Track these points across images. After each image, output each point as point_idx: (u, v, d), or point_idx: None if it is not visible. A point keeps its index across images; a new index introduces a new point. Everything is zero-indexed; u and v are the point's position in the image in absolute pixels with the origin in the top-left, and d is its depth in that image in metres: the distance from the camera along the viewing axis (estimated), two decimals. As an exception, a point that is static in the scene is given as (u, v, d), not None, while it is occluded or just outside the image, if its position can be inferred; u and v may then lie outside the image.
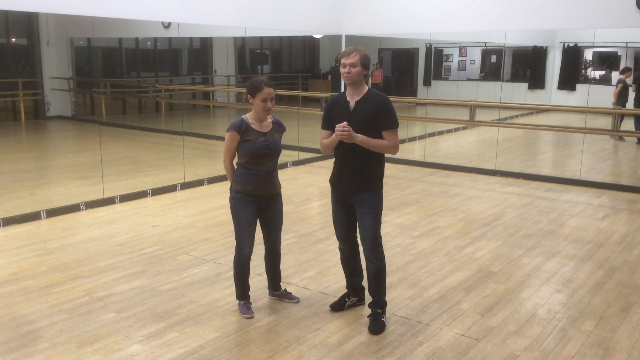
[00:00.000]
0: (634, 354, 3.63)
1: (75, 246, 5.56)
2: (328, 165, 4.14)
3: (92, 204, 6.93)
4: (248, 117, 3.96)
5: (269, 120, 4.01)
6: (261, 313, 4.13)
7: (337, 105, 3.86)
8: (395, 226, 6.25)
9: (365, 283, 4.11)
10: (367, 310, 4.07)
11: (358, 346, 3.69)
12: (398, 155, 9.81)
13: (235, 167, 4.03)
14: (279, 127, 4.07)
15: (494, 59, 16.48)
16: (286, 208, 4.94)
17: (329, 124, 3.87)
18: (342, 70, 3.75)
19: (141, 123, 14.32)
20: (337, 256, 4.29)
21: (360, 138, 3.67)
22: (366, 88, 3.82)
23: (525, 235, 6.00)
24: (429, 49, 16.36)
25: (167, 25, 9.70)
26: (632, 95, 12.12)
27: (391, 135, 3.74)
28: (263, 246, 4.21)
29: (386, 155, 3.88)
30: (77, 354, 3.55)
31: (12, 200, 7.18)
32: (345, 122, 3.65)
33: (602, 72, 16.25)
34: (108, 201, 7.10)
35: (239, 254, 4.04)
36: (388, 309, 4.07)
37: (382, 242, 3.95)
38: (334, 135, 3.70)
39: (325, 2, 10.11)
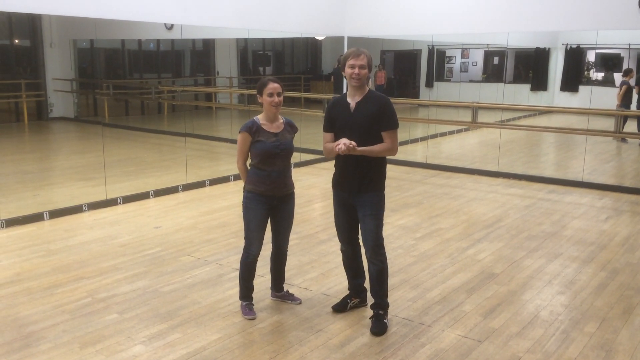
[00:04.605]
0: (637, 356, 3.62)
1: (77, 247, 5.57)
2: (330, 167, 4.14)
3: (94, 205, 6.95)
4: (259, 118, 3.98)
5: (281, 120, 4.03)
6: (263, 314, 4.13)
7: (338, 107, 3.87)
8: (398, 228, 6.25)
9: (367, 284, 4.11)
10: (369, 312, 4.07)
11: (360, 347, 3.69)
12: (400, 157, 9.80)
13: (249, 167, 4.04)
14: (290, 128, 4.08)
15: (496, 60, 16.47)
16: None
17: (330, 126, 3.88)
18: (350, 71, 3.74)
19: (144, 124, 14.34)
20: (339, 258, 4.30)
21: (359, 150, 3.67)
22: (367, 89, 3.83)
23: (527, 237, 6.00)
24: (431, 51, 16.37)
25: (169, 27, 9.72)
26: (635, 97, 12.11)
27: (390, 136, 3.74)
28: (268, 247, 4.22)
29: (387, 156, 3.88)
30: (79, 355, 3.56)
31: (15, 201, 7.20)
32: (352, 143, 3.63)
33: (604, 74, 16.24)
34: (111, 202, 7.11)
35: (247, 254, 4.05)
36: (390, 310, 4.07)
37: (385, 243, 3.95)
38: (335, 146, 3.68)
39: (328, 3, 10.12)
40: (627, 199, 7.74)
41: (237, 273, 4.33)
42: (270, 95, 3.88)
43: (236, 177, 8.39)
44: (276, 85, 3.90)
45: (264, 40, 17.17)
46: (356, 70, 3.72)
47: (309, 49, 19.75)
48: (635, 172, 9.88)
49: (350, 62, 3.73)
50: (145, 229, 6.16)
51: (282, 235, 4.17)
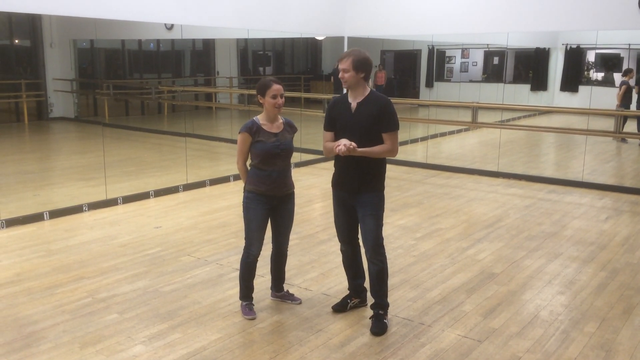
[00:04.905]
0: (636, 356, 3.62)
1: (78, 247, 5.57)
2: (330, 167, 4.15)
3: (94, 205, 6.95)
4: (259, 118, 3.99)
5: (280, 120, 4.04)
6: (263, 314, 4.14)
7: (339, 107, 3.88)
8: (398, 228, 6.26)
9: (367, 284, 4.11)
10: (369, 312, 4.08)
11: (360, 347, 3.69)
12: (400, 157, 9.81)
13: (249, 168, 4.05)
14: (290, 128, 4.09)
15: (496, 60, 16.47)
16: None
17: (331, 126, 3.89)
18: (339, 75, 3.81)
19: (144, 124, 14.34)
20: (339, 257, 4.30)
21: (359, 152, 3.68)
22: (368, 90, 3.82)
23: (527, 237, 6.00)
24: (431, 51, 16.37)
25: (169, 27, 9.72)
26: (635, 97, 12.11)
27: (391, 138, 3.75)
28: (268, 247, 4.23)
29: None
30: (80, 355, 3.56)
31: (15, 201, 7.20)
32: (352, 144, 3.65)
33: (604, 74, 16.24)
34: (111, 202, 7.11)
35: (247, 254, 4.06)
36: (390, 310, 4.07)
37: (384, 243, 3.95)
38: (335, 147, 3.70)
39: (328, 3, 10.12)
40: (627, 199, 7.74)
41: (237, 273, 4.33)
42: (274, 97, 3.89)
43: (236, 177, 8.39)
44: (279, 86, 3.91)
45: (264, 40, 17.18)
46: (340, 74, 3.76)
47: (309, 49, 19.77)
48: (635, 172, 9.88)
49: (338, 66, 3.80)
50: (146, 229, 6.17)
51: (282, 235, 4.17)
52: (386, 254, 3.97)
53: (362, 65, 3.73)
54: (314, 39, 14.20)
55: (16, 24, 14.42)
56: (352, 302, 4.21)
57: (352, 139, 3.68)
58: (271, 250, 4.25)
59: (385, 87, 15.86)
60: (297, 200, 4.40)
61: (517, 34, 12.06)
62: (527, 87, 16.43)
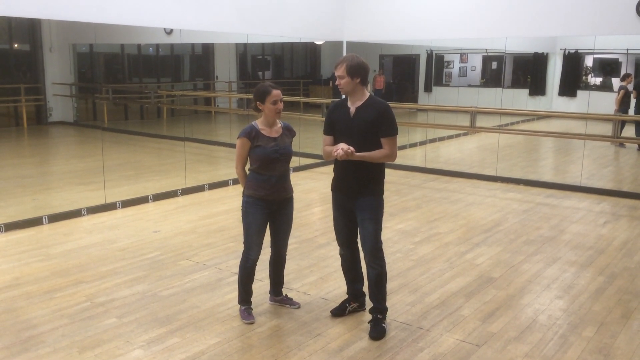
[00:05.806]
0: (635, 360, 3.63)
1: (77, 251, 5.57)
2: (329, 171, 4.16)
3: (93, 210, 6.95)
4: (258, 123, 4.00)
5: (279, 125, 4.05)
6: (262, 318, 4.14)
7: (338, 111, 3.90)
8: (396, 232, 6.26)
9: (366, 289, 4.12)
10: (367, 316, 4.08)
11: (359, 352, 3.69)
12: (399, 161, 9.83)
13: (248, 172, 4.06)
14: (289, 132, 4.11)
15: (494, 65, 16.50)
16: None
17: (330, 129, 3.91)
18: (336, 82, 3.85)
19: (143, 129, 14.35)
20: (338, 262, 4.31)
21: (357, 156, 3.70)
22: (367, 94, 3.84)
23: (526, 242, 6.01)
24: (429, 56, 16.40)
25: (169, 32, 9.73)
26: (633, 101, 12.14)
27: (389, 143, 3.76)
28: (267, 251, 4.23)
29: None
30: (78, 359, 3.56)
31: (14, 205, 7.20)
32: (351, 148, 3.67)
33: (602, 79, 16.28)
34: (110, 206, 7.12)
35: (246, 258, 4.06)
36: (389, 314, 4.08)
37: (383, 247, 3.96)
38: (334, 151, 3.72)
39: (327, 8, 10.16)
40: (625, 204, 7.76)
41: (236, 277, 4.33)
42: (275, 102, 3.91)
43: (235, 182, 8.40)
44: (278, 91, 3.94)
45: (263, 44, 17.19)
46: (337, 82, 3.80)
47: (308, 53, 19.79)
48: (634, 176, 9.90)
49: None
50: (144, 233, 6.17)
51: (281, 239, 4.18)
52: (385, 258, 3.98)
53: (356, 71, 3.75)
54: (313, 44, 14.24)
55: (16, 29, 14.43)
56: (351, 306, 4.22)
57: (351, 143, 3.70)
58: (270, 254, 4.26)
59: (384, 92, 15.89)
60: (296, 204, 4.41)
61: (515, 39, 12.09)
62: (526, 91, 16.44)
